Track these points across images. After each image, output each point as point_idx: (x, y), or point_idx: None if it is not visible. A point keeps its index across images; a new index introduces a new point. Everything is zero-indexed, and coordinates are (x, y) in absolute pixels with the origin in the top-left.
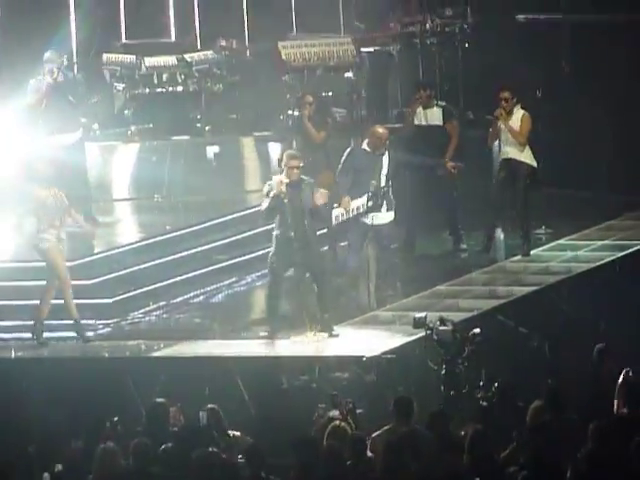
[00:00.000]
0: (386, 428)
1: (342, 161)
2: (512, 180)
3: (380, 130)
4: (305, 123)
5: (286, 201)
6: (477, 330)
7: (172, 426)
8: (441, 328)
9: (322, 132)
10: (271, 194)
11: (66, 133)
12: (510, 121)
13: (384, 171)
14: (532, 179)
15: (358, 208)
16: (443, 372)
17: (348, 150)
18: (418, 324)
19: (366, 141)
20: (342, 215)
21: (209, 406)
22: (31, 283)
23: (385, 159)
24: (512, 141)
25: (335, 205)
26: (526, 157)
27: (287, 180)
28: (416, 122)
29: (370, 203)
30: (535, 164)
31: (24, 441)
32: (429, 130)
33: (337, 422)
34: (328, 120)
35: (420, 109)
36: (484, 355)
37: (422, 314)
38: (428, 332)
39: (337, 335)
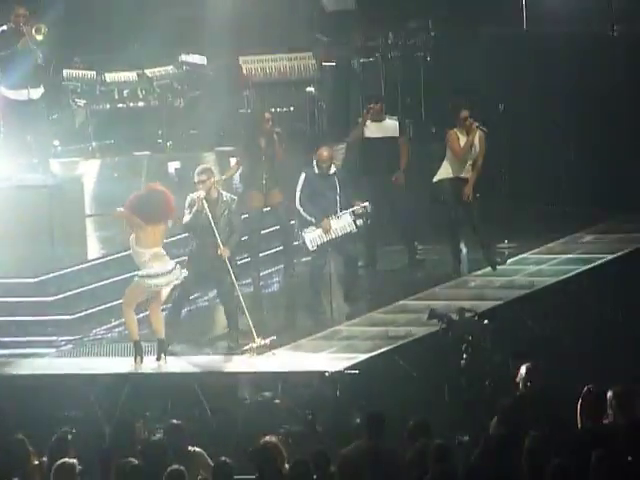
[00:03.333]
0: (356, 443)
1: (300, 188)
2: (461, 196)
3: (324, 153)
4: (273, 143)
5: (203, 216)
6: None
7: (137, 442)
8: (467, 315)
9: (282, 148)
10: (193, 209)
11: (33, 88)
12: (473, 140)
13: (338, 190)
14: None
15: (343, 228)
16: (463, 362)
17: (303, 176)
18: (434, 315)
19: (315, 163)
20: (320, 237)
21: (172, 421)
22: None
23: (336, 178)
24: (468, 159)
25: (308, 230)
26: (469, 173)
27: (203, 194)
28: (367, 134)
29: (359, 222)
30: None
31: None
32: (381, 142)
33: (268, 438)
34: (275, 137)
35: (369, 122)
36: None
37: (437, 306)
38: (446, 325)
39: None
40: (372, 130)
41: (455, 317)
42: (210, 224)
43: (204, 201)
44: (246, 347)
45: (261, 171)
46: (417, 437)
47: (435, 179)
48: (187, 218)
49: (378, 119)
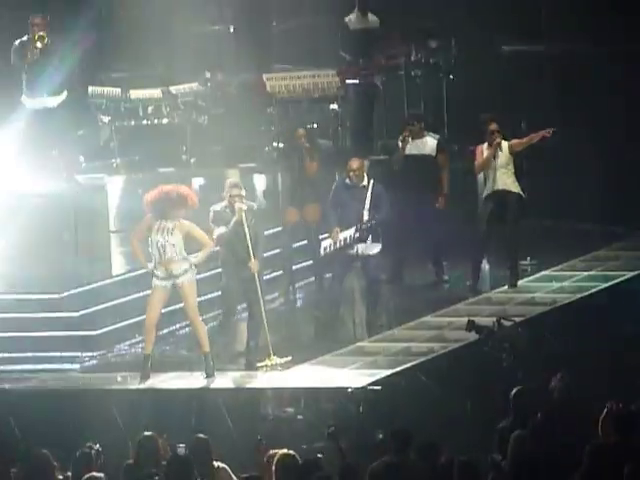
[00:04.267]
0: (383, 459)
1: (331, 196)
2: (502, 211)
3: (353, 164)
4: (305, 158)
5: (243, 228)
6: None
7: (160, 458)
8: (507, 323)
9: (314, 163)
10: (232, 221)
11: (50, 96)
12: (502, 152)
13: (367, 204)
14: (521, 208)
15: (345, 239)
16: (505, 364)
17: (335, 185)
18: (472, 327)
19: (347, 174)
20: (330, 246)
21: (198, 436)
22: (17, 315)
23: (368, 191)
24: (502, 172)
25: (324, 236)
26: (516, 187)
27: (245, 207)
28: (406, 152)
29: (357, 235)
30: (522, 194)
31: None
32: (420, 160)
33: (284, 450)
34: (318, 151)
35: (409, 140)
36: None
37: (473, 318)
38: (482, 337)
39: (284, 362)
40: (411, 147)
41: (495, 328)
42: (245, 237)
43: (244, 213)
44: (260, 364)
45: (295, 186)
46: (425, 456)
47: (482, 196)
48: (222, 230)
49: (418, 137)
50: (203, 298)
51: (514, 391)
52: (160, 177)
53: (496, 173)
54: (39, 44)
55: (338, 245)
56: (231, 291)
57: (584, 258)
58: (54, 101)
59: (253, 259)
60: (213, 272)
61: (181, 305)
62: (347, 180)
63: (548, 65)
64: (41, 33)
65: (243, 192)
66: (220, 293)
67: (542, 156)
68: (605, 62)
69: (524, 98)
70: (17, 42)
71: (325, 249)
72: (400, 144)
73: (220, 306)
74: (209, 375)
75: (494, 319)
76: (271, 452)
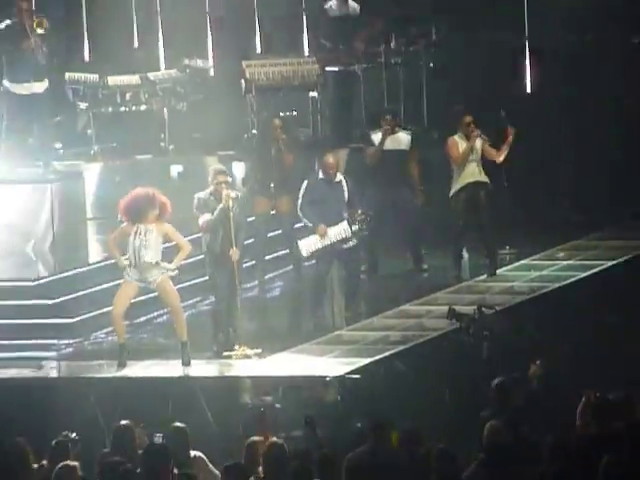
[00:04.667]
0: (362, 448)
1: (302, 194)
2: (475, 202)
3: (330, 159)
4: (284, 148)
5: (229, 215)
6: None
7: (137, 447)
8: (487, 311)
9: (290, 155)
10: (218, 207)
11: (37, 81)
12: (476, 144)
13: (345, 197)
14: (493, 199)
15: (338, 234)
16: (484, 357)
17: (306, 182)
18: (453, 315)
19: (320, 169)
20: (315, 243)
21: (176, 424)
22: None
23: (344, 186)
24: (474, 164)
25: (308, 238)
26: (486, 178)
27: (234, 194)
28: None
29: (354, 228)
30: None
31: None
32: (396, 155)
33: (275, 440)
34: (295, 142)
35: (382, 134)
36: None
37: (454, 306)
38: (466, 323)
39: (254, 353)
40: (385, 143)
41: (475, 316)
42: (230, 223)
43: (231, 200)
44: (227, 353)
45: (270, 177)
46: (407, 444)
47: (450, 194)
48: (207, 217)
49: (392, 132)
50: (184, 285)
51: (496, 381)
52: (138, 164)
53: (469, 165)
54: (40, 30)
55: (328, 241)
56: (219, 278)
57: (563, 247)
58: (40, 87)
59: (235, 247)
60: (195, 259)
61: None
62: (321, 175)
63: (529, 52)
64: (41, 18)
65: (229, 179)
66: (208, 280)
67: (522, 144)
68: (586, 50)
69: (504, 85)
70: (1, 26)
71: (307, 247)
72: (377, 138)
73: (210, 293)
74: (185, 364)
75: (475, 307)
76: (255, 439)
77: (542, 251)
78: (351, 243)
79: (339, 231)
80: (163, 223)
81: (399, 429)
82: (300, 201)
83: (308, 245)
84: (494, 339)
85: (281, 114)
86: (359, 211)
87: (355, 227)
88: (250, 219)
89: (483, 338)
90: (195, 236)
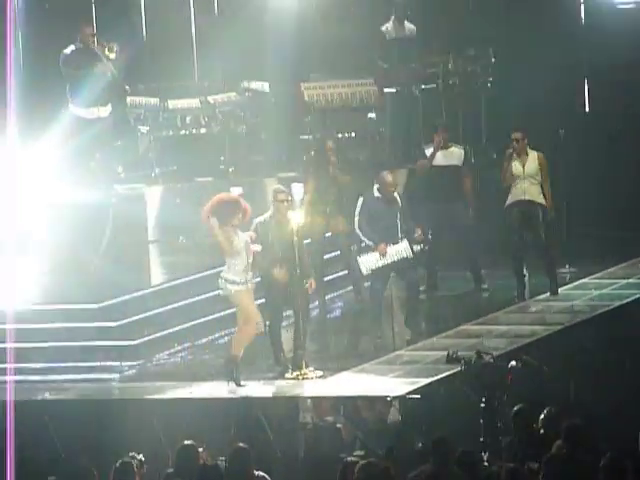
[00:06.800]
0: (423, 468)
1: (358, 211)
2: (527, 220)
3: (388, 177)
4: (334, 170)
5: (290, 234)
6: (514, 362)
7: (200, 468)
8: (482, 361)
9: (347, 176)
10: (275, 227)
11: (102, 106)
12: (527, 162)
13: (399, 216)
14: (546, 219)
15: (399, 253)
16: (482, 405)
17: (361, 199)
18: (451, 360)
19: (376, 187)
20: (376, 261)
21: (239, 445)
22: (56, 325)
23: (399, 203)
24: (529, 181)
25: (366, 253)
26: (540, 198)
27: (298, 219)
28: (433, 163)
29: (416, 248)
30: (547, 205)
31: None
32: (449, 170)
33: (369, 460)
34: (348, 164)
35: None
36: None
37: (454, 350)
38: (464, 367)
39: (316, 376)
40: (437, 158)
41: (473, 360)
42: (293, 246)
43: (294, 224)
44: (289, 376)
45: (326, 197)
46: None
47: (505, 206)
48: (256, 247)
49: (444, 147)
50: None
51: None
52: (198, 187)
53: (523, 183)
54: (112, 55)
55: (389, 260)
56: (275, 299)
57: (623, 265)
58: (105, 111)
59: (312, 281)
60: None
61: (221, 314)
62: (377, 194)
63: (589, 72)
64: (112, 44)
65: (290, 197)
66: (265, 301)
67: (581, 163)
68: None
69: (564, 105)
70: (67, 51)
71: (367, 265)
72: (429, 151)
73: (265, 314)
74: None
75: (475, 351)
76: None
77: (602, 270)
78: (408, 261)
79: (399, 250)
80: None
81: (459, 449)
82: (357, 218)
83: (368, 263)
84: (481, 389)
85: (339, 135)
86: (419, 231)
87: (417, 247)
88: (306, 241)
89: (482, 385)
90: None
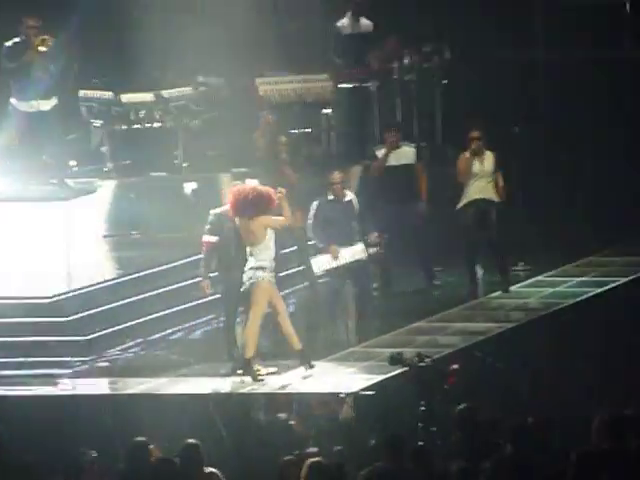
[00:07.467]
0: (376, 465)
1: (312, 214)
2: (482, 219)
3: (335, 176)
4: (283, 167)
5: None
6: (456, 366)
7: (151, 464)
8: (420, 364)
9: (296, 174)
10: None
11: (43, 99)
12: (484, 161)
13: (355, 217)
14: (498, 216)
15: (353, 255)
16: (422, 408)
17: (315, 203)
18: (394, 361)
19: (328, 188)
20: (330, 263)
21: (189, 441)
22: (6, 320)
23: (354, 205)
24: (485, 180)
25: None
26: (497, 197)
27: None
28: (385, 164)
29: (371, 251)
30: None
31: None
32: (399, 170)
33: (315, 458)
34: (300, 159)
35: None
36: (462, 391)
37: (398, 351)
38: (405, 369)
39: (269, 372)
40: (389, 158)
41: (414, 362)
42: (238, 241)
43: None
44: (241, 371)
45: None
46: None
47: (457, 207)
48: (213, 239)
49: (395, 147)
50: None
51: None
52: (152, 181)
53: (479, 181)
54: (42, 48)
55: (343, 262)
56: (230, 296)
57: (577, 263)
58: (47, 105)
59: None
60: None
61: (172, 310)
62: (330, 196)
63: (543, 71)
64: (45, 36)
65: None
66: (220, 297)
67: (536, 160)
68: (603, 68)
69: (517, 103)
70: (9, 43)
71: (322, 265)
72: (381, 153)
73: (221, 310)
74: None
75: (416, 353)
76: (290, 458)
77: (556, 267)
78: (363, 266)
79: (355, 253)
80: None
81: (412, 446)
82: (311, 222)
83: (321, 264)
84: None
85: (294, 131)
86: (375, 234)
87: (372, 250)
88: None
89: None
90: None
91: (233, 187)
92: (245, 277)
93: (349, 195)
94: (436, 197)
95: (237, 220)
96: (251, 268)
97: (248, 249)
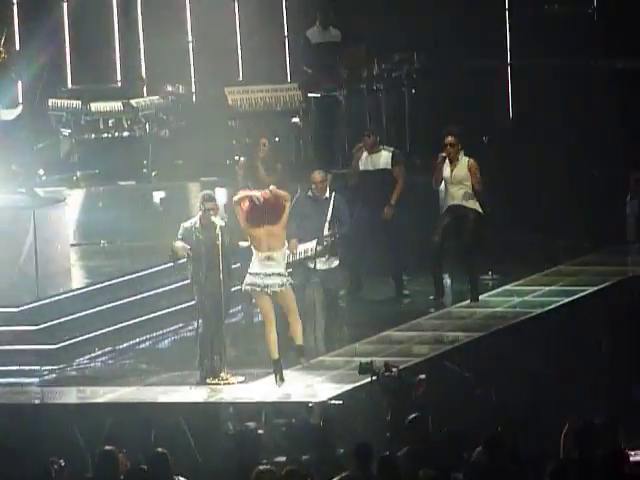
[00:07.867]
0: (344, 475)
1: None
2: (457, 226)
3: (316, 175)
4: (257, 165)
5: (216, 243)
6: (423, 376)
7: (120, 472)
8: (386, 374)
9: (271, 178)
10: (202, 234)
11: (6, 109)
12: (456, 167)
13: (329, 217)
14: (478, 225)
15: (306, 251)
16: (388, 418)
17: (295, 197)
18: (364, 370)
19: (310, 186)
20: (288, 257)
21: (158, 450)
22: None
23: (330, 203)
24: (458, 187)
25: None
26: (472, 203)
27: (223, 223)
28: (362, 168)
29: (319, 248)
30: (480, 210)
31: None
32: (376, 174)
33: (261, 467)
34: (278, 166)
35: (365, 154)
36: (430, 401)
37: (367, 360)
38: (374, 378)
39: (237, 381)
40: (366, 162)
41: (381, 372)
42: (217, 251)
43: (220, 230)
44: (210, 380)
45: None
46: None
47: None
48: (179, 245)
49: (372, 151)
50: (166, 311)
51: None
52: (121, 190)
53: (452, 188)
54: None
55: (297, 257)
56: (204, 305)
57: (546, 272)
58: (10, 114)
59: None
60: (177, 285)
61: (141, 319)
62: (309, 192)
63: (512, 78)
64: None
65: (218, 205)
66: (195, 306)
67: (504, 170)
68: (572, 76)
69: (486, 112)
70: None
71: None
72: (357, 158)
73: (195, 319)
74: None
75: (383, 363)
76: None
77: (525, 276)
78: (334, 264)
79: (306, 249)
80: None
81: (380, 455)
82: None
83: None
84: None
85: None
86: (329, 231)
87: (319, 247)
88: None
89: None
90: (182, 261)
91: (242, 199)
92: (279, 280)
93: (328, 193)
94: (404, 205)
95: (253, 230)
96: (279, 274)
97: (264, 254)
